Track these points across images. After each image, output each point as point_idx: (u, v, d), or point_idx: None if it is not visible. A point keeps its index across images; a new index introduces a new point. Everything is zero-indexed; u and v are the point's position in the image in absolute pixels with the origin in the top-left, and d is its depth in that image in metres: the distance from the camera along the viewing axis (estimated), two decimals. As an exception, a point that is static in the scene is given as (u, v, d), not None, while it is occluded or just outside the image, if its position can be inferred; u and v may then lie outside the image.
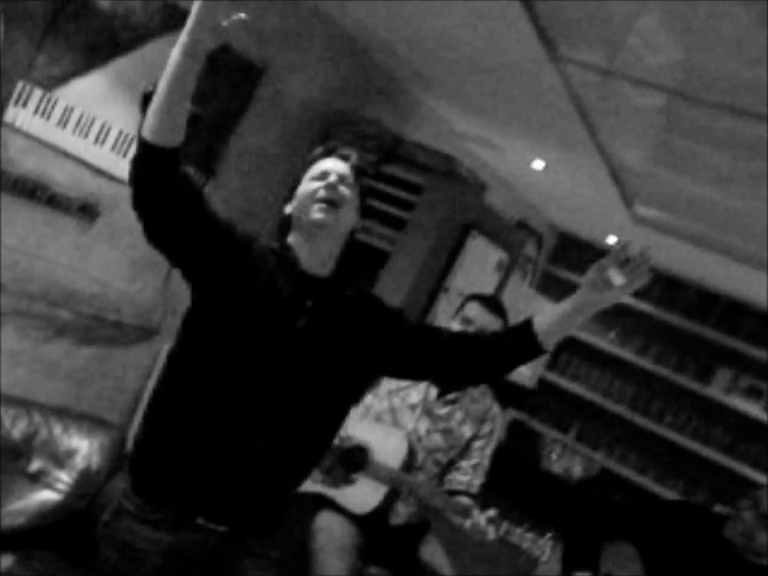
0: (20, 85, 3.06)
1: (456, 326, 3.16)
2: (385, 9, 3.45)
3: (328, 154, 2.17)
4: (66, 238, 3.37)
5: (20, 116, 3.10)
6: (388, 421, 3.19)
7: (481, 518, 2.84)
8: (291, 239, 2.10)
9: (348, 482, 3.10)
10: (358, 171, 2.18)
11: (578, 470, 3.84)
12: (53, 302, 3.39)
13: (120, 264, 3.57)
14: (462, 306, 3.25)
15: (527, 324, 2.10)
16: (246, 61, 3.66)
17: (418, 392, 3.21)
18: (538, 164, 4.84)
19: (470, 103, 4.32)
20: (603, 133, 3.85)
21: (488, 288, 3.97)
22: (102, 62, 3.26)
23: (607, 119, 3.72)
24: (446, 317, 3.77)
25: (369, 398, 3.26)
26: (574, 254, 6.94)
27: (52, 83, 3.15)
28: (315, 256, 2.06)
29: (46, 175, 3.23)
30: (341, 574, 2.87)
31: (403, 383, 3.21)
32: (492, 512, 2.86)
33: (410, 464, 3.10)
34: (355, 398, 2.25)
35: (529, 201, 6.13)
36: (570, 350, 6.73)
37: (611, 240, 6.22)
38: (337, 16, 3.81)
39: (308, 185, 2.09)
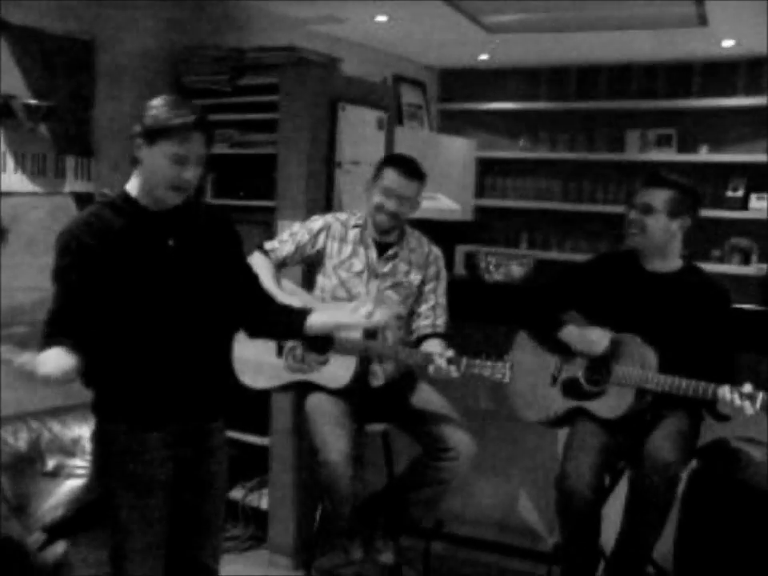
0: None
1: (377, 199, 3.33)
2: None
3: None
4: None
5: None
6: (342, 294, 3.40)
7: (441, 360, 3.05)
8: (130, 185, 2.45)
9: (322, 363, 3.38)
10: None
11: (516, 270, 4.14)
12: (5, 323, 3.62)
13: (45, 268, 3.78)
14: (379, 173, 3.38)
15: (303, 317, 2.69)
16: (72, 39, 3.81)
17: (360, 259, 3.40)
18: (381, 18, 5.04)
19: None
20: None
21: (377, 147, 4.19)
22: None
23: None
24: (349, 188, 4.02)
25: (319, 279, 3.46)
26: (459, 84, 7.13)
27: None
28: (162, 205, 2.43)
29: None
30: (340, 437, 3.18)
31: (344, 254, 3.42)
32: (450, 352, 3.07)
33: (372, 329, 3.35)
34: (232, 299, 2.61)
35: (392, 54, 6.29)
36: (492, 170, 7.00)
37: (481, 57, 6.43)
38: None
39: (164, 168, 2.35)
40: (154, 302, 2.39)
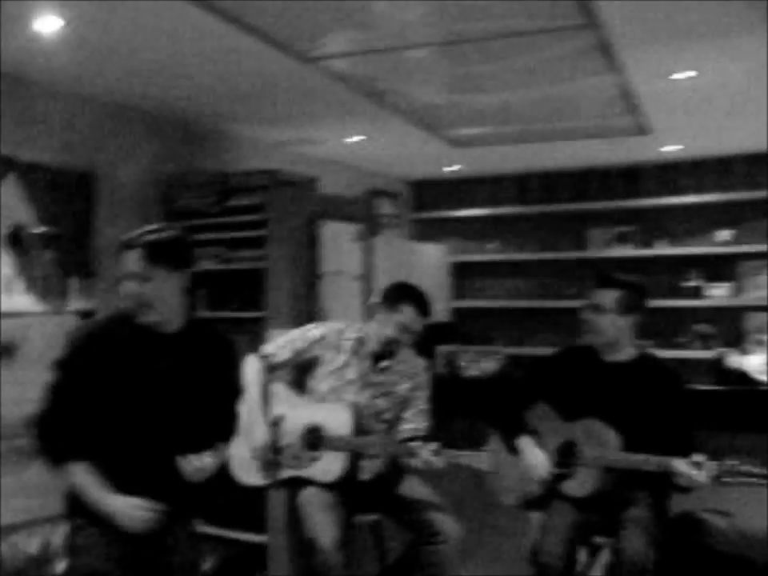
0: None
1: (391, 332, 3.55)
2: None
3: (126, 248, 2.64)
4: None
5: None
6: (332, 400, 3.64)
7: (426, 453, 3.32)
8: None
9: (313, 459, 3.61)
10: (151, 247, 2.58)
11: (490, 366, 4.43)
12: (13, 435, 3.87)
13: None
14: (395, 306, 3.57)
15: None
16: (72, 172, 4.18)
17: (353, 369, 3.64)
18: (356, 138, 5.47)
19: (266, 116, 4.91)
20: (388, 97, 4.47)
21: (356, 257, 4.54)
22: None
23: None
24: (332, 298, 4.34)
25: (311, 383, 3.70)
26: (431, 194, 7.60)
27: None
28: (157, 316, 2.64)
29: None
30: (331, 526, 3.40)
31: (338, 363, 3.65)
32: (434, 445, 3.31)
33: (359, 428, 3.57)
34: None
35: (366, 170, 6.76)
36: (465, 273, 7.38)
37: (450, 168, 6.88)
38: (139, 104, 4.37)
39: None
40: (135, 413, 2.61)
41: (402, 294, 3.64)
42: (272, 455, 3.62)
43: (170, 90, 4.30)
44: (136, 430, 2.62)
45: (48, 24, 3.35)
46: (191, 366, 2.68)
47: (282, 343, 3.75)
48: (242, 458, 3.56)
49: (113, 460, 2.62)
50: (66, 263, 4.11)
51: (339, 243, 4.45)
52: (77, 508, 2.66)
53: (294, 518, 3.81)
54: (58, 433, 2.63)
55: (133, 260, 2.57)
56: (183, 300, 2.67)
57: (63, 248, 4.06)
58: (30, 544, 3.68)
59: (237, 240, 4.46)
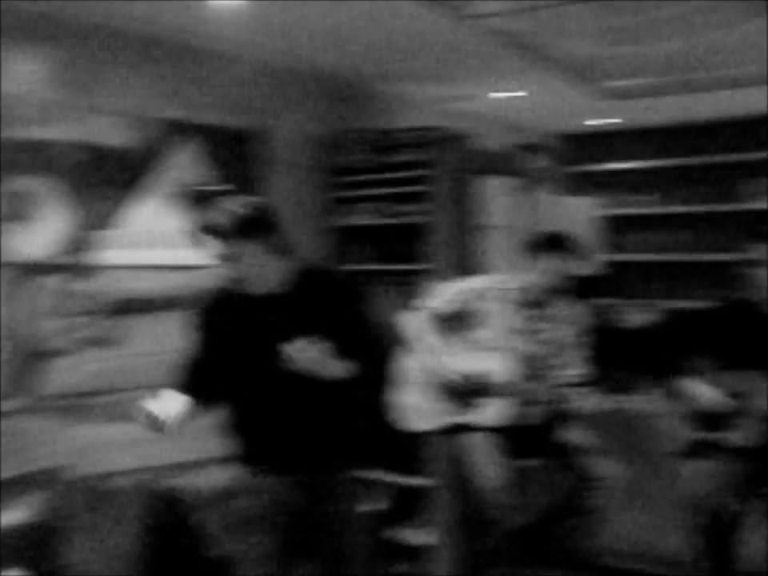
0: (97, 234, 3.83)
1: (547, 279, 3.68)
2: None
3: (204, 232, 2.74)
4: (181, 329, 4.12)
5: (108, 256, 3.87)
6: (494, 349, 3.73)
7: (588, 398, 3.43)
8: None
9: (477, 405, 3.75)
10: (223, 230, 2.66)
11: (646, 318, 4.46)
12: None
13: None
14: (538, 252, 3.69)
15: None
16: (246, 132, 4.40)
17: (514, 318, 3.74)
18: (510, 94, 5.51)
19: (421, 75, 5.01)
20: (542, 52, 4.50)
21: (511, 212, 4.62)
22: (145, 189, 4.03)
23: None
24: (490, 250, 4.44)
25: (473, 333, 3.80)
26: (583, 148, 7.56)
27: (118, 222, 3.92)
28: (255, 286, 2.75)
29: (147, 288, 4.02)
30: (496, 468, 3.54)
31: (499, 313, 3.75)
32: (595, 390, 3.44)
33: (522, 375, 3.68)
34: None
35: (519, 125, 6.79)
36: (618, 227, 7.33)
37: (604, 121, 6.83)
38: (305, 65, 4.56)
39: None
40: (260, 368, 2.72)
41: (552, 241, 3.75)
42: (441, 401, 3.79)
43: (330, 52, 4.45)
44: (267, 386, 2.74)
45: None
46: (301, 316, 2.71)
47: (444, 295, 3.88)
48: (409, 405, 3.73)
49: (256, 409, 2.78)
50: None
51: (497, 197, 4.53)
52: (245, 456, 2.85)
53: (458, 463, 3.98)
54: (202, 381, 2.83)
55: (212, 244, 2.68)
56: (277, 262, 2.73)
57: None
58: (204, 482, 3.88)
59: (398, 195, 4.60)
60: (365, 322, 2.84)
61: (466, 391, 3.73)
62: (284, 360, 2.57)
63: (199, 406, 2.79)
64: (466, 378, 3.75)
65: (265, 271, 2.70)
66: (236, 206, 2.69)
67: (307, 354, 2.55)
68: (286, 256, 2.76)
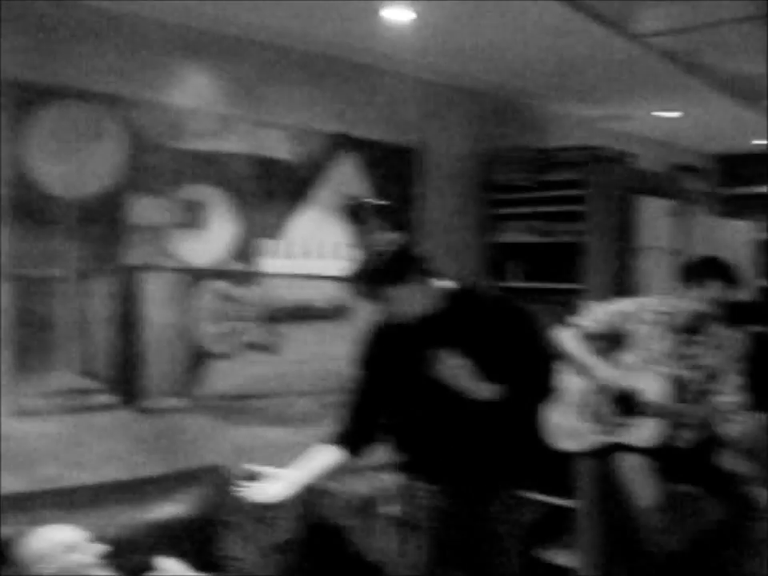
0: (260, 243, 3.98)
1: (697, 306, 3.61)
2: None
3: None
4: (335, 338, 4.24)
5: (270, 264, 4.01)
6: (643, 372, 3.72)
7: (744, 423, 3.34)
8: None
9: (629, 425, 3.71)
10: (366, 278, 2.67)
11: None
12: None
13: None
14: (702, 280, 3.59)
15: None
16: (404, 148, 4.49)
17: (664, 342, 3.71)
18: (669, 114, 5.42)
19: (581, 93, 4.98)
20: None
21: (668, 234, 4.53)
22: (306, 200, 4.15)
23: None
24: (646, 272, 4.38)
25: (622, 356, 3.79)
26: (740, 169, 7.34)
27: (280, 232, 4.06)
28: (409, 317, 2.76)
29: (304, 298, 4.14)
30: (650, 489, 3.48)
31: (649, 336, 3.73)
32: (750, 416, 3.34)
33: (673, 398, 3.65)
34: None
35: (674, 145, 6.65)
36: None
37: (760, 141, 6.63)
38: (462, 83, 4.61)
39: None
40: (418, 388, 2.75)
41: (711, 268, 3.66)
42: (593, 421, 3.77)
43: (491, 68, 4.49)
44: (423, 401, 2.77)
45: (397, 14, 3.64)
46: (453, 336, 2.71)
47: (595, 315, 3.87)
48: (561, 424, 3.71)
49: (414, 423, 2.82)
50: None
51: (654, 218, 4.47)
52: (403, 466, 2.90)
53: (610, 483, 3.93)
54: (351, 424, 2.92)
55: (359, 287, 2.70)
56: (424, 291, 2.71)
57: (391, 221, 4.37)
58: (358, 486, 3.95)
59: (554, 214, 4.59)
60: (521, 344, 2.79)
61: (619, 410, 3.69)
62: (435, 375, 2.63)
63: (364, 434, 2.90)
64: (619, 397, 3.72)
65: (415, 302, 2.70)
66: (379, 246, 2.70)
67: (455, 372, 2.62)
68: (435, 280, 2.77)
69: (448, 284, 2.82)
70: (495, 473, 2.86)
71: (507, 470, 2.89)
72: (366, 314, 4.25)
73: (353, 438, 2.91)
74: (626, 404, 3.68)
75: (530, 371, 2.82)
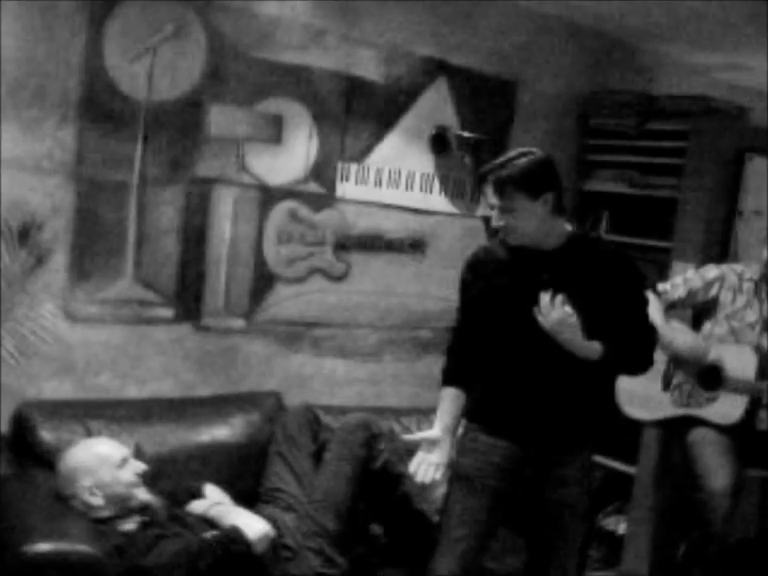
0: (339, 165, 3.80)
1: None
2: None
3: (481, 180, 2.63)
4: (406, 272, 4.08)
5: (346, 189, 3.84)
6: (730, 342, 3.54)
7: None
8: None
9: (710, 399, 3.52)
10: (503, 181, 2.53)
11: None
12: (414, 326, 4.11)
13: (452, 281, 4.23)
14: None
15: None
16: (498, 79, 4.24)
17: (753, 311, 3.52)
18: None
19: (696, 39, 4.62)
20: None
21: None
22: (391, 125, 3.94)
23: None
24: (746, 238, 4.10)
25: (708, 325, 3.61)
26: None
27: (361, 156, 3.87)
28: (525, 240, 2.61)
29: (379, 227, 3.96)
30: (725, 468, 3.29)
31: (737, 304, 3.55)
32: None
33: (763, 373, 3.44)
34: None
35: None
36: None
37: None
38: (568, 16, 4.32)
39: None
40: (520, 328, 2.58)
41: None
42: (673, 391, 3.58)
43: (602, 2, 4.16)
44: (526, 352, 2.62)
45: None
46: (574, 278, 2.57)
47: (678, 281, 3.69)
48: (634, 391, 3.53)
49: (500, 367, 2.68)
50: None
51: (762, 182, 4.15)
52: (472, 413, 2.76)
53: (677, 456, 3.74)
54: (451, 359, 2.81)
55: (490, 193, 2.55)
56: (555, 219, 2.59)
57: (481, 154, 4.14)
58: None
59: (652, 166, 4.29)
60: (634, 307, 2.66)
61: (700, 383, 3.49)
62: (540, 322, 2.49)
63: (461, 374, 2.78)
64: (702, 369, 3.51)
65: (539, 227, 2.56)
66: (516, 161, 2.55)
67: (563, 320, 2.47)
68: (559, 215, 2.62)
69: (569, 226, 2.66)
70: (578, 437, 2.72)
71: (589, 434, 2.76)
72: (443, 250, 4.15)
73: (465, 378, 2.77)
74: (709, 377, 3.46)
75: (637, 338, 2.67)
